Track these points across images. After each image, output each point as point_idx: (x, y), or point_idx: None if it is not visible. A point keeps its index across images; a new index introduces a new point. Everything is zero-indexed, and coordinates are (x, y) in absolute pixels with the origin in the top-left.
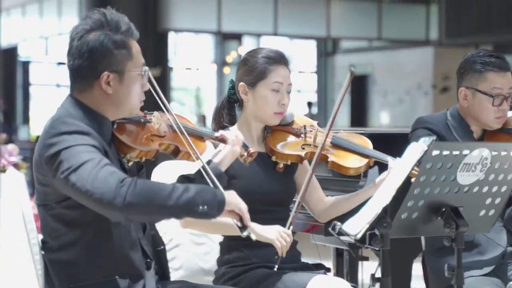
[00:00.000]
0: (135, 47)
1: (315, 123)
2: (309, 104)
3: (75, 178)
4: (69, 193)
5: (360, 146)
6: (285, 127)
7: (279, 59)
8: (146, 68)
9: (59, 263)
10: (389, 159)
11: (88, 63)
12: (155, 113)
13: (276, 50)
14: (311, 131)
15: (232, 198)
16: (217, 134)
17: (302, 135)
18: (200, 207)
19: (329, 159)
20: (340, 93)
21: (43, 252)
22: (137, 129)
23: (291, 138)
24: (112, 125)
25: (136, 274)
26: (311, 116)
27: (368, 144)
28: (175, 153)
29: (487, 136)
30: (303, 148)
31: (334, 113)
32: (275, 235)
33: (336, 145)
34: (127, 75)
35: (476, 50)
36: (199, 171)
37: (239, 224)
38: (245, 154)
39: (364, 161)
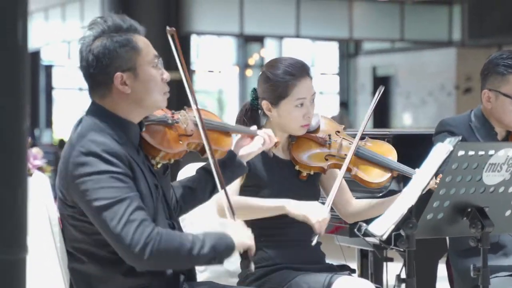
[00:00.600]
0: (142, 41)
1: (341, 128)
2: (345, 105)
3: (106, 216)
4: (95, 222)
5: (384, 158)
6: (310, 134)
7: (300, 72)
8: (160, 60)
9: (80, 272)
10: (414, 172)
11: (99, 70)
12: (182, 111)
13: (295, 61)
14: (336, 141)
15: (239, 239)
16: (252, 130)
17: (327, 144)
18: (213, 261)
19: (352, 173)
20: (368, 111)
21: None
22: (165, 130)
23: (315, 148)
24: (141, 127)
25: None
26: (341, 116)
27: (392, 152)
28: (203, 152)
29: (511, 137)
30: (327, 160)
31: (361, 129)
32: (311, 213)
33: (360, 157)
34: (140, 70)
35: (499, 52)
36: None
37: (242, 255)
38: (273, 147)
39: (387, 175)
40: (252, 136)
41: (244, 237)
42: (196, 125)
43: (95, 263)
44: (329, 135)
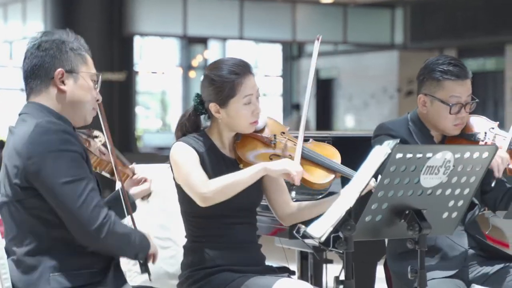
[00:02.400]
0: (90, 60)
1: (286, 129)
2: (297, 107)
3: (65, 193)
4: (51, 200)
5: (328, 160)
6: (255, 134)
7: (244, 70)
8: (100, 79)
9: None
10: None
11: (43, 61)
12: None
13: (237, 60)
14: (280, 141)
15: (153, 246)
16: (130, 169)
17: (272, 144)
18: (136, 257)
19: None
20: (306, 96)
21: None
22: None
23: (260, 147)
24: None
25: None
26: (299, 118)
27: (336, 155)
28: (111, 173)
29: (447, 141)
30: (271, 159)
31: (302, 128)
32: (288, 165)
33: (305, 158)
34: (81, 77)
35: (435, 57)
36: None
37: (141, 261)
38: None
39: (331, 176)
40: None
41: (155, 248)
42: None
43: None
44: (274, 135)
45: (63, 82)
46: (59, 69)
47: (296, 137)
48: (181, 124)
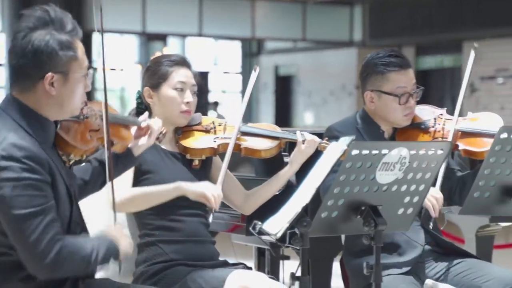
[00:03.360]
0: (81, 48)
1: (223, 121)
2: (216, 104)
3: (21, 225)
4: (7, 229)
5: (269, 130)
6: (194, 126)
7: (181, 62)
8: (91, 71)
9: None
10: (297, 134)
11: (33, 63)
12: (88, 106)
13: (178, 54)
14: (220, 125)
15: (123, 248)
16: (143, 123)
17: (212, 130)
18: (102, 267)
19: (241, 146)
20: (247, 90)
21: None
22: (77, 126)
23: (202, 134)
24: (56, 125)
25: None
26: (218, 116)
27: (276, 128)
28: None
29: (398, 134)
30: (215, 141)
31: (244, 107)
32: (206, 188)
33: (246, 133)
34: (72, 76)
35: (375, 52)
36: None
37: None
38: (160, 136)
39: (276, 142)
40: (146, 129)
41: (126, 246)
42: (101, 119)
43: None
44: (213, 122)
45: (52, 84)
46: (49, 73)
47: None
48: None
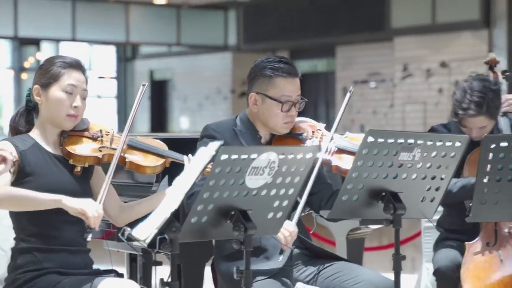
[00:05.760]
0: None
1: (111, 129)
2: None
3: None
4: None
5: (156, 147)
6: (81, 132)
7: (75, 65)
8: None
9: None
10: (184, 159)
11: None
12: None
13: (73, 57)
14: (107, 134)
15: None
16: None
17: (99, 139)
18: None
19: (127, 160)
20: (135, 102)
21: None
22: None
23: (88, 142)
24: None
25: None
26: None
27: (164, 146)
28: None
29: (275, 140)
30: (100, 151)
31: (131, 118)
32: (86, 206)
33: (133, 147)
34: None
35: (266, 56)
36: None
37: None
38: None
39: (161, 160)
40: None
41: None
42: None
43: None
44: (101, 130)
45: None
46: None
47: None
48: (14, 122)
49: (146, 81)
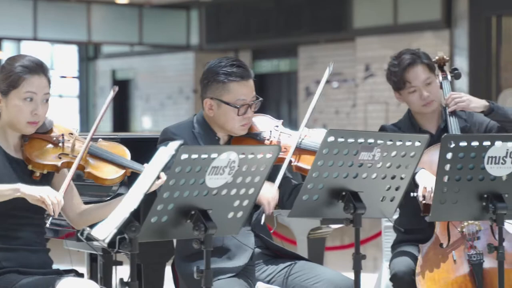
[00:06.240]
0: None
1: (74, 130)
2: None
3: None
4: None
5: (118, 156)
6: (43, 135)
7: (35, 68)
8: None
9: None
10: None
11: None
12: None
13: (35, 59)
14: (69, 140)
15: None
16: None
17: (60, 144)
18: None
19: (85, 170)
20: (102, 109)
21: None
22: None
23: (49, 147)
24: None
25: None
26: None
27: (126, 154)
28: None
29: (233, 142)
30: (60, 158)
31: (94, 127)
32: (46, 193)
33: (94, 155)
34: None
35: (218, 59)
36: None
37: None
38: None
39: (121, 171)
40: None
41: None
42: None
43: None
44: (63, 135)
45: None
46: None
47: (85, 138)
48: None
49: (116, 86)
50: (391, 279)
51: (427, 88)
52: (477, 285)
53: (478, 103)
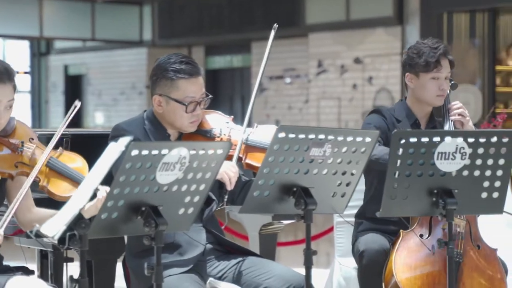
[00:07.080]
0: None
1: (35, 135)
2: None
3: None
4: None
5: (76, 172)
6: (3, 138)
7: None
8: None
9: None
10: (99, 189)
11: None
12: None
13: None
14: (28, 148)
15: None
16: None
17: (19, 152)
18: None
19: (40, 184)
20: (62, 123)
21: None
22: None
23: (7, 153)
24: None
25: None
26: None
27: (85, 168)
28: None
29: (184, 138)
30: (17, 167)
31: (55, 138)
32: None
33: (52, 169)
34: None
35: (167, 56)
36: None
37: None
38: None
39: (75, 189)
40: None
41: None
42: None
43: None
44: (22, 142)
45: None
46: None
47: (46, 143)
48: None
49: (78, 102)
50: (359, 255)
51: (446, 82)
52: (448, 282)
53: (471, 127)
